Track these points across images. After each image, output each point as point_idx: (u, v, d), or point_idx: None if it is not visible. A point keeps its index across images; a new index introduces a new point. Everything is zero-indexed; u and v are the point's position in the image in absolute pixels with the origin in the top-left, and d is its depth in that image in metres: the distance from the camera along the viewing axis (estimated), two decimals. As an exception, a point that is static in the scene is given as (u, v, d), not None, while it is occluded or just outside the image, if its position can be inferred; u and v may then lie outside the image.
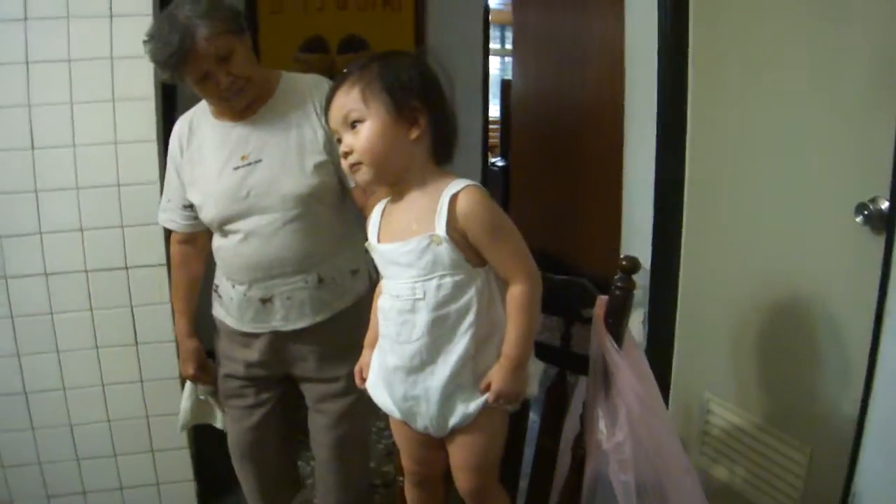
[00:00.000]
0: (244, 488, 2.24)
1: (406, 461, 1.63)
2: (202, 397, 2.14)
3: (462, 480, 1.53)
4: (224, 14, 1.84)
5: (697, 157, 2.26)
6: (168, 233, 2.14)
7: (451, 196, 1.37)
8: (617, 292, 1.47)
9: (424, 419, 1.48)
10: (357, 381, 1.64)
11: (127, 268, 2.41)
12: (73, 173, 2.34)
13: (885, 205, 1.63)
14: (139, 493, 2.63)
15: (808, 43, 1.86)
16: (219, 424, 2.18)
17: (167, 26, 1.77)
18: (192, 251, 2.07)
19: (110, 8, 2.29)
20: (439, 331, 1.40)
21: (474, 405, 1.43)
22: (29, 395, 2.46)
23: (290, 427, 2.25)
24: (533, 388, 1.49)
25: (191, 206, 1.99)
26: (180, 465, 2.63)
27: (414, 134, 1.39)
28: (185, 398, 2.15)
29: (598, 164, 4.38)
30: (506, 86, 6.82)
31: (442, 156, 1.46)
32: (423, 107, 1.39)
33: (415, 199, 1.43)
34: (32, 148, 2.31)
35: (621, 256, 1.48)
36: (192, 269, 2.09)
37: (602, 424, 1.46)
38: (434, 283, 1.38)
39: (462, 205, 1.36)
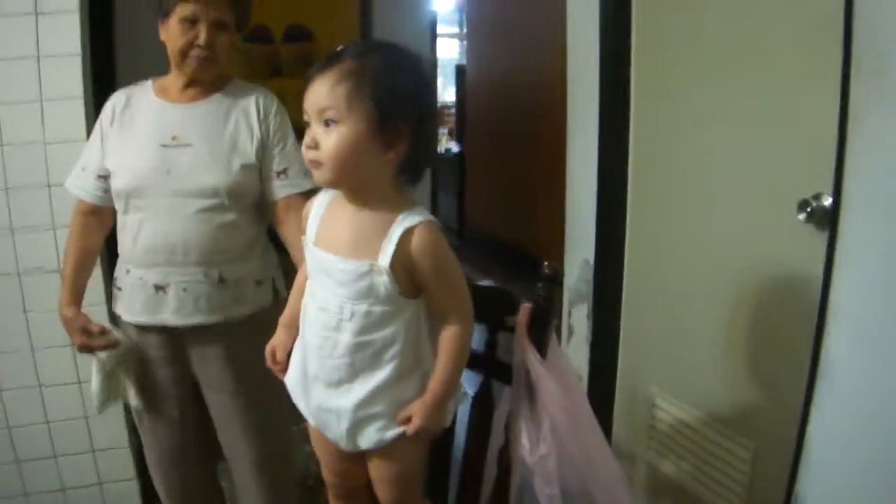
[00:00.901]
0: (160, 497, 2.21)
1: (326, 473, 1.59)
2: (107, 368, 2.01)
3: (382, 493, 1.51)
4: (245, 4, 1.94)
5: (640, 149, 2.23)
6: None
7: (404, 229, 1.30)
8: (540, 301, 1.43)
9: (334, 433, 1.44)
10: (269, 362, 1.57)
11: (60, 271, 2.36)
12: (1, 174, 2.30)
13: (828, 201, 1.61)
14: (82, 493, 2.60)
15: (753, 30, 1.84)
16: (132, 401, 2.07)
17: None
18: (95, 224, 2.01)
19: (35, 6, 2.23)
20: (361, 355, 1.35)
21: (391, 433, 1.40)
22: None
23: (207, 443, 2.19)
24: (448, 420, 1.47)
25: (105, 178, 1.94)
26: (122, 463, 2.60)
27: (389, 156, 1.29)
28: (94, 376, 2.04)
29: (549, 151, 4.37)
30: (461, 71, 6.75)
31: (408, 179, 1.36)
32: (407, 130, 1.28)
33: (364, 216, 1.34)
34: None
35: (544, 264, 1.44)
36: (89, 241, 2.02)
37: (525, 437, 1.43)
38: (363, 307, 1.32)
39: (417, 242, 1.30)
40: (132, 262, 1.92)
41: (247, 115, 1.94)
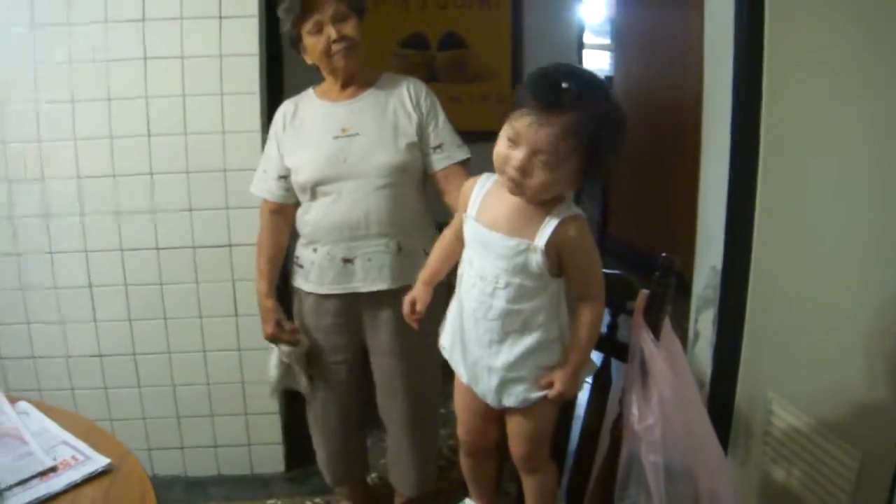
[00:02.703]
0: (318, 457, 2.46)
1: (461, 431, 1.78)
2: (285, 360, 2.27)
3: (515, 447, 1.69)
4: None
5: (770, 158, 2.26)
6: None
7: (561, 219, 1.47)
8: (656, 288, 1.58)
9: (483, 388, 1.63)
10: (405, 309, 1.76)
11: (231, 245, 2.64)
12: (184, 159, 2.57)
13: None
14: (232, 452, 2.86)
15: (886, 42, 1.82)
16: (302, 389, 2.33)
17: None
18: (282, 221, 2.26)
19: (220, 10, 2.49)
20: (511, 320, 1.54)
21: (535, 395, 1.58)
22: (137, 357, 2.72)
23: (364, 404, 2.43)
24: (581, 387, 1.65)
25: (285, 178, 2.18)
26: (271, 427, 2.83)
27: (578, 186, 1.51)
28: (273, 367, 2.30)
29: (688, 163, 4.34)
30: (608, 82, 6.77)
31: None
32: (602, 172, 1.49)
33: (524, 204, 1.51)
34: (149, 135, 2.55)
35: (662, 255, 1.59)
36: (279, 238, 2.27)
37: (635, 408, 1.57)
38: (518, 280, 1.50)
39: (570, 233, 1.48)
40: (320, 240, 2.17)
41: (402, 101, 2.16)
